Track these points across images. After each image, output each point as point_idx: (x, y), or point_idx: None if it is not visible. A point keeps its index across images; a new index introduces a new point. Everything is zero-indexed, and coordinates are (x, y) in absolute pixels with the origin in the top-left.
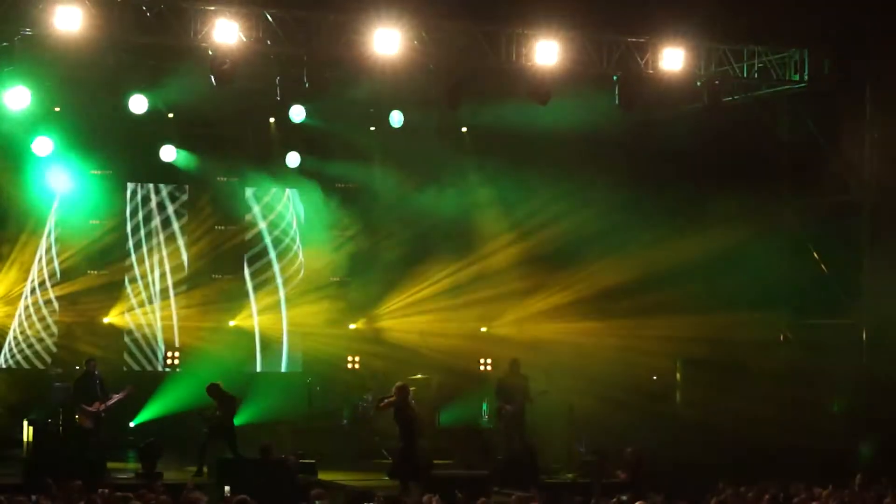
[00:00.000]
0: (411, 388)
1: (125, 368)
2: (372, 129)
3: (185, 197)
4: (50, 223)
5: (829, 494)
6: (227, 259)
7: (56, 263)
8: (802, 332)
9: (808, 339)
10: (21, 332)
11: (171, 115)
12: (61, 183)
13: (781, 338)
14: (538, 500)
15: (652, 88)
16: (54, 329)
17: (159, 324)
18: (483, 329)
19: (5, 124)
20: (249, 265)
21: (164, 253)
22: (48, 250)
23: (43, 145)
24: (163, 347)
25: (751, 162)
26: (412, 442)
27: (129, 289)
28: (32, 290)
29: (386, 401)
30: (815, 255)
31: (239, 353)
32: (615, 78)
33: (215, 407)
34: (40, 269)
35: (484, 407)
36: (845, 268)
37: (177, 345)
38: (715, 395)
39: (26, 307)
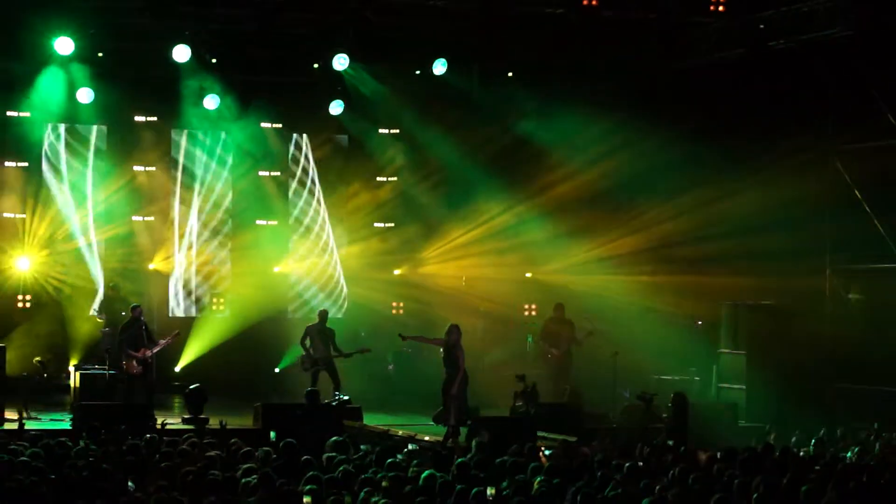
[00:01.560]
0: None
1: (170, 314)
2: (417, 72)
3: (227, 143)
4: (91, 169)
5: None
6: (270, 204)
7: (101, 208)
8: (851, 277)
9: (858, 284)
10: (68, 278)
11: (213, 61)
12: None
13: (828, 283)
14: (583, 445)
15: (696, 32)
16: (100, 275)
17: (203, 269)
18: (528, 275)
19: (49, 73)
20: (293, 211)
21: (208, 199)
22: (92, 196)
23: (85, 94)
24: (208, 293)
25: (797, 108)
26: (462, 387)
27: (173, 234)
28: (75, 237)
29: (435, 339)
30: (863, 200)
31: (283, 297)
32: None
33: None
34: (84, 215)
35: (528, 339)
36: (894, 212)
37: (221, 290)
38: (762, 340)
39: (73, 251)
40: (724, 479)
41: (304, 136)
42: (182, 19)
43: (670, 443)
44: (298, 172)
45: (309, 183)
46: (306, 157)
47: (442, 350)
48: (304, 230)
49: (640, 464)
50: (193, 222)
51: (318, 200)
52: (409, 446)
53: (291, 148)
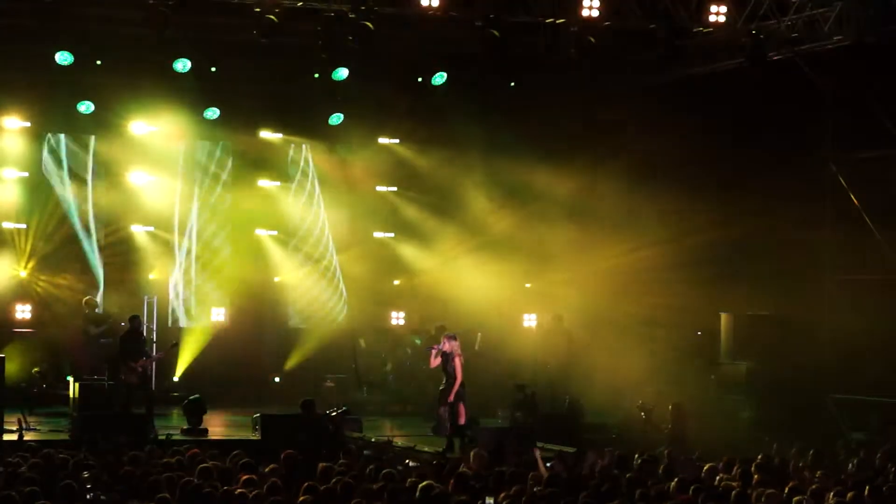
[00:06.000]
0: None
1: (170, 324)
2: (419, 79)
3: (229, 153)
4: (93, 177)
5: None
6: (270, 214)
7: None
8: (849, 288)
9: (855, 296)
10: (65, 289)
11: (213, 70)
12: None
13: (827, 294)
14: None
15: (695, 42)
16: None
17: (204, 279)
18: (528, 285)
19: (54, 84)
20: (293, 221)
21: (210, 209)
22: (94, 205)
23: (86, 106)
24: (207, 303)
25: (795, 118)
26: (460, 396)
27: (175, 244)
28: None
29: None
30: (862, 210)
31: (284, 307)
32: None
33: None
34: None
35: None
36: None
37: (221, 300)
38: (761, 350)
39: (72, 260)
40: (723, 489)
41: (304, 145)
42: (181, 29)
43: (668, 453)
44: (298, 182)
45: (309, 193)
46: (306, 167)
47: (440, 359)
48: (304, 240)
49: (638, 474)
50: (193, 232)
51: (318, 210)
52: (409, 462)
53: (291, 158)
